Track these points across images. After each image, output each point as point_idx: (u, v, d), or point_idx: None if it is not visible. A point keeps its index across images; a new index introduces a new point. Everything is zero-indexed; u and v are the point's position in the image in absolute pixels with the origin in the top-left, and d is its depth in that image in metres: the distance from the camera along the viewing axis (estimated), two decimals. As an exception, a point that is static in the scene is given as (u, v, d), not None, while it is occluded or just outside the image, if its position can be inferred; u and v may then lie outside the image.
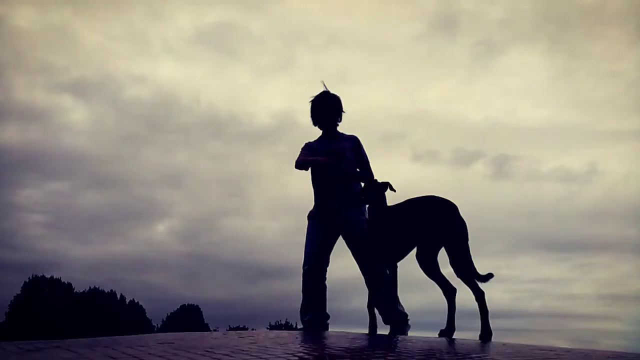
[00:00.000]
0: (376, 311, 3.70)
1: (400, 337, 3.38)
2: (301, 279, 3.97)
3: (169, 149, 68.89)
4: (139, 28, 69.21)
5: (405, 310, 3.80)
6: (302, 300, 3.97)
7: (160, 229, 61.85)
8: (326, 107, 4.01)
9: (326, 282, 3.97)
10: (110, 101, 67.08)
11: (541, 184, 65.77)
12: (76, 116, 64.64)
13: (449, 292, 3.55)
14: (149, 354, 2.41)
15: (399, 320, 3.73)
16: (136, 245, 57.97)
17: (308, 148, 4.07)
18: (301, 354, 2.39)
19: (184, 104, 70.03)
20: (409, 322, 3.80)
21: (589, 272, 59.57)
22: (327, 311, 3.97)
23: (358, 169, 4.01)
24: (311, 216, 4.03)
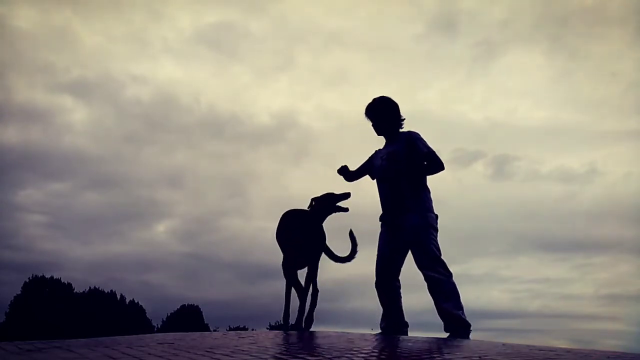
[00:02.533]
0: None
1: (400, 338, 3.38)
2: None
3: (169, 149, 68.84)
4: (139, 28, 69.12)
5: (468, 320, 3.66)
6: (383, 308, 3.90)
7: (160, 229, 61.76)
8: (372, 115, 4.00)
9: (400, 290, 3.86)
10: (110, 101, 67.03)
11: (541, 184, 65.68)
12: (76, 116, 64.57)
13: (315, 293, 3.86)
14: (149, 354, 2.41)
15: (460, 330, 3.61)
16: (136, 245, 57.87)
17: (371, 157, 4.09)
18: (301, 354, 2.38)
19: (184, 104, 70.00)
20: (471, 331, 3.63)
21: (589, 272, 59.49)
22: (405, 319, 3.86)
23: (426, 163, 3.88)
24: (381, 222, 3.97)
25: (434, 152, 3.85)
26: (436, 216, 3.83)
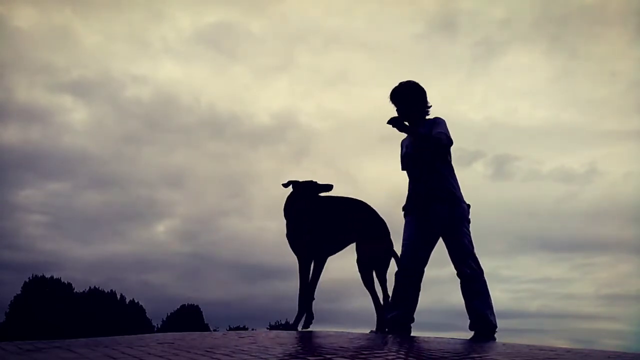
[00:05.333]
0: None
1: (400, 337, 3.38)
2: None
3: (169, 149, 68.99)
4: (139, 28, 69.35)
5: (496, 321, 3.52)
6: (390, 299, 3.73)
7: (160, 229, 61.90)
8: (397, 100, 3.83)
9: (421, 283, 3.68)
10: (110, 101, 67.21)
11: (541, 184, 65.80)
12: (76, 116, 64.74)
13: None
14: (149, 354, 2.41)
15: (485, 330, 3.48)
16: (136, 245, 57.99)
17: (401, 144, 3.94)
18: (301, 354, 2.38)
19: (184, 104, 70.16)
20: (496, 334, 3.49)
21: (589, 272, 59.60)
22: (413, 315, 3.66)
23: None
24: (407, 211, 3.77)
25: (445, 135, 3.64)
26: (468, 206, 3.69)
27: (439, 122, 3.75)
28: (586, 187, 66.86)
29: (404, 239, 3.73)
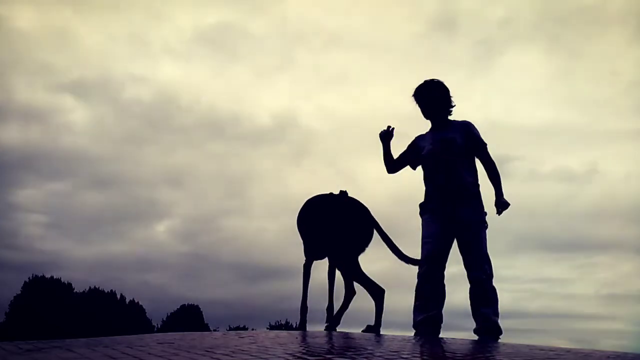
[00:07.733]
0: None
1: (400, 338, 3.38)
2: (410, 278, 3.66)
3: (169, 149, 68.74)
4: (139, 28, 69.11)
5: (502, 327, 3.52)
6: (416, 301, 3.62)
7: (160, 229, 61.69)
8: (422, 97, 3.76)
9: (444, 281, 3.63)
10: (110, 101, 66.92)
11: (541, 184, 65.58)
12: (76, 116, 64.43)
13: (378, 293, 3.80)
14: (149, 354, 2.41)
15: (492, 336, 3.47)
16: (136, 245, 57.80)
17: (414, 143, 3.88)
18: (301, 354, 2.39)
19: (184, 104, 69.92)
20: (500, 339, 3.48)
21: (589, 272, 59.45)
22: (442, 313, 3.60)
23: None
24: (425, 210, 3.72)
25: (486, 146, 3.71)
26: (486, 213, 3.68)
27: (473, 126, 3.74)
28: (586, 187, 66.73)
29: (425, 237, 3.65)
